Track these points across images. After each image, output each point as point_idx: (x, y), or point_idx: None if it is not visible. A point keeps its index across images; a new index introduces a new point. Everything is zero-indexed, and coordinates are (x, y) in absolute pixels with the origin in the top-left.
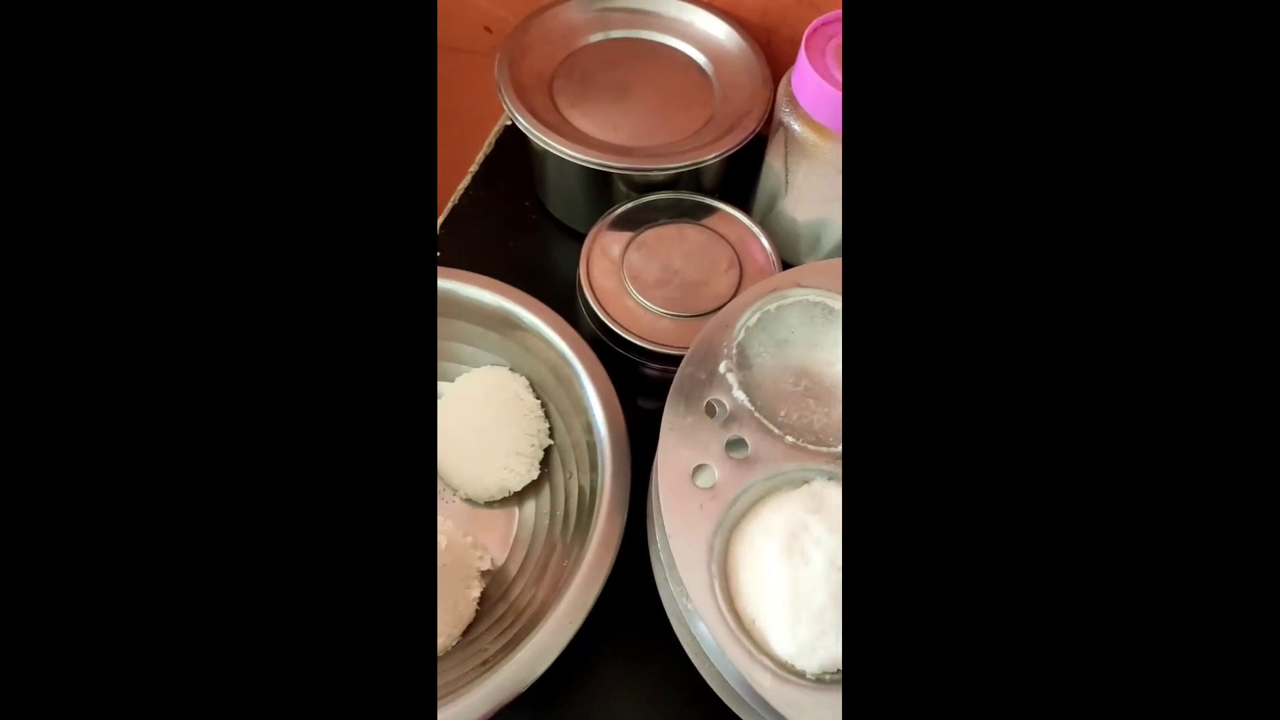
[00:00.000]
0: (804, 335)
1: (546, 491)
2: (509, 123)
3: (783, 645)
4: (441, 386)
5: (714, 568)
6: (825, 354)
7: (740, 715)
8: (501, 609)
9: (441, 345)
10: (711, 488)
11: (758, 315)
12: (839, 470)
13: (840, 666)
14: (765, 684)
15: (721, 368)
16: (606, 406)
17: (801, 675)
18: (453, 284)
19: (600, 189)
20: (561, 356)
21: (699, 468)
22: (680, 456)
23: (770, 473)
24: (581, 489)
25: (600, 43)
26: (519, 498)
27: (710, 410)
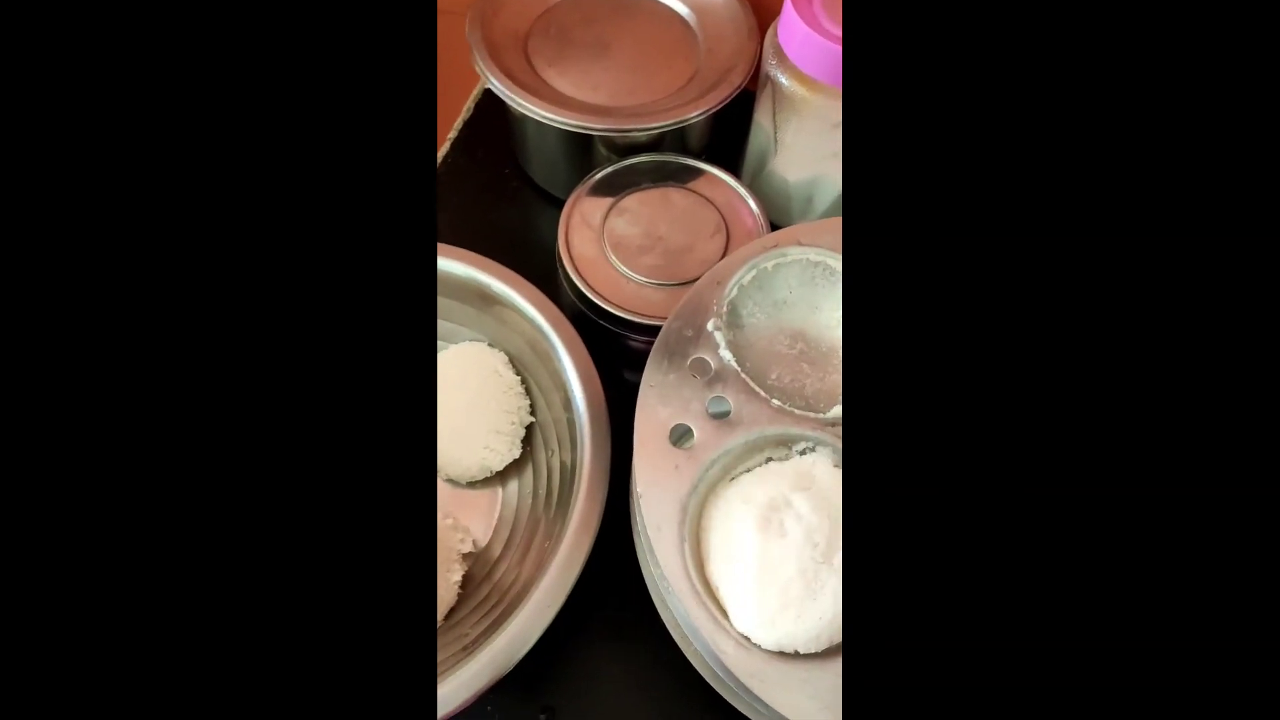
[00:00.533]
0: (803, 296)
1: (529, 470)
2: (487, 86)
3: (743, 616)
4: None
5: (685, 531)
6: (824, 317)
7: (718, 690)
8: (485, 590)
9: None
10: (689, 449)
11: (753, 273)
12: (826, 437)
13: (796, 645)
14: (728, 651)
15: (709, 325)
16: (585, 382)
17: (757, 649)
18: None
19: (581, 153)
20: (539, 330)
21: (678, 428)
22: (659, 414)
23: (753, 435)
24: (564, 465)
25: None
26: (501, 477)
27: (695, 369)
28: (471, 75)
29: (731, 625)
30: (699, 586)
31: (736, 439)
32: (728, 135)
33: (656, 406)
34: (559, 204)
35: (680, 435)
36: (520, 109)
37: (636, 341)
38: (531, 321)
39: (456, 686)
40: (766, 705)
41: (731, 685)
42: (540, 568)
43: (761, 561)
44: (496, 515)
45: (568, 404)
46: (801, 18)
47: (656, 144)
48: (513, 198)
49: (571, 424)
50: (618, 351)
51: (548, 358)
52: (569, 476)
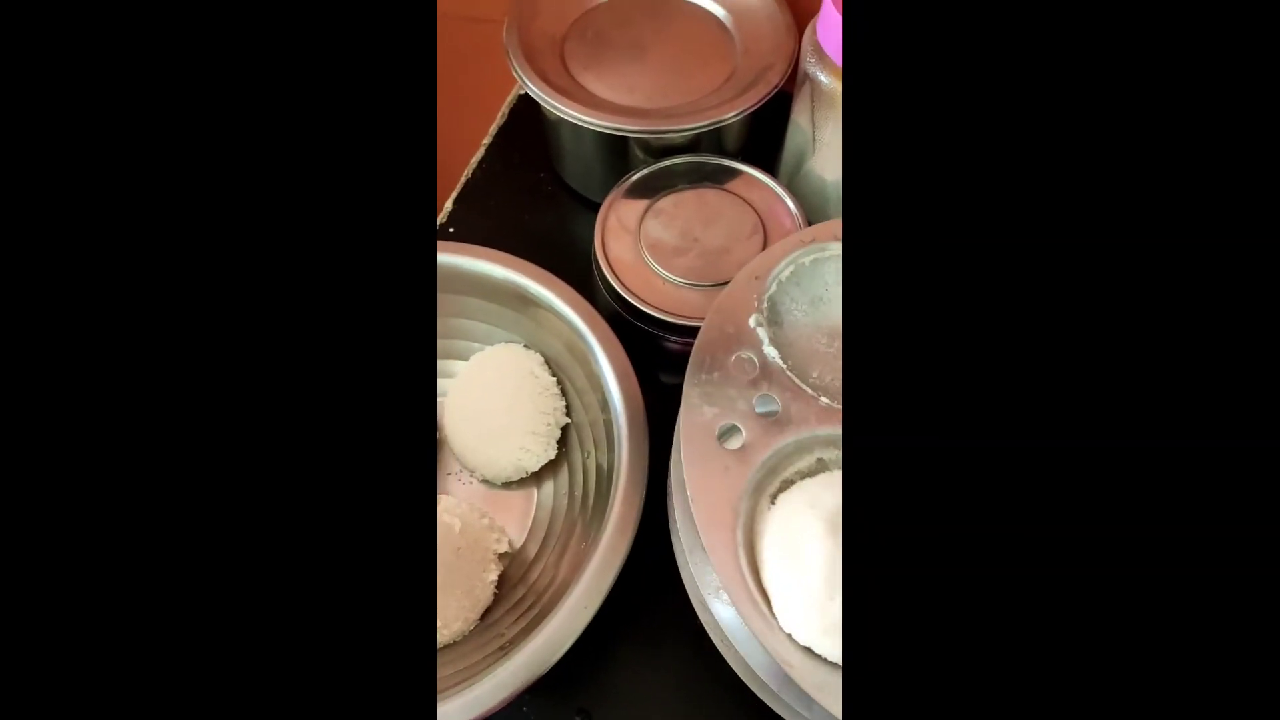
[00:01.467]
0: (840, 293)
1: (565, 471)
2: (522, 91)
3: (804, 624)
4: (455, 365)
5: (739, 535)
6: None
7: (760, 696)
8: (521, 591)
9: (454, 323)
10: (739, 449)
11: (791, 268)
12: None
13: None
14: (795, 663)
15: (751, 321)
16: (623, 382)
17: (821, 659)
18: (464, 259)
19: (617, 155)
20: (576, 332)
21: (726, 428)
22: (704, 414)
23: (804, 435)
24: (600, 468)
25: (614, 1)
26: (537, 478)
27: (738, 367)
28: (506, 81)
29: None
30: (756, 594)
31: (787, 439)
32: (764, 135)
33: (701, 406)
34: (594, 207)
35: (726, 434)
36: (556, 112)
37: (672, 343)
38: (569, 323)
39: (493, 686)
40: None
41: (786, 696)
42: (577, 569)
43: (831, 570)
44: (532, 516)
45: (605, 405)
46: (841, 13)
47: (693, 145)
48: (548, 201)
49: (609, 425)
50: (654, 353)
51: (585, 359)
52: (606, 478)
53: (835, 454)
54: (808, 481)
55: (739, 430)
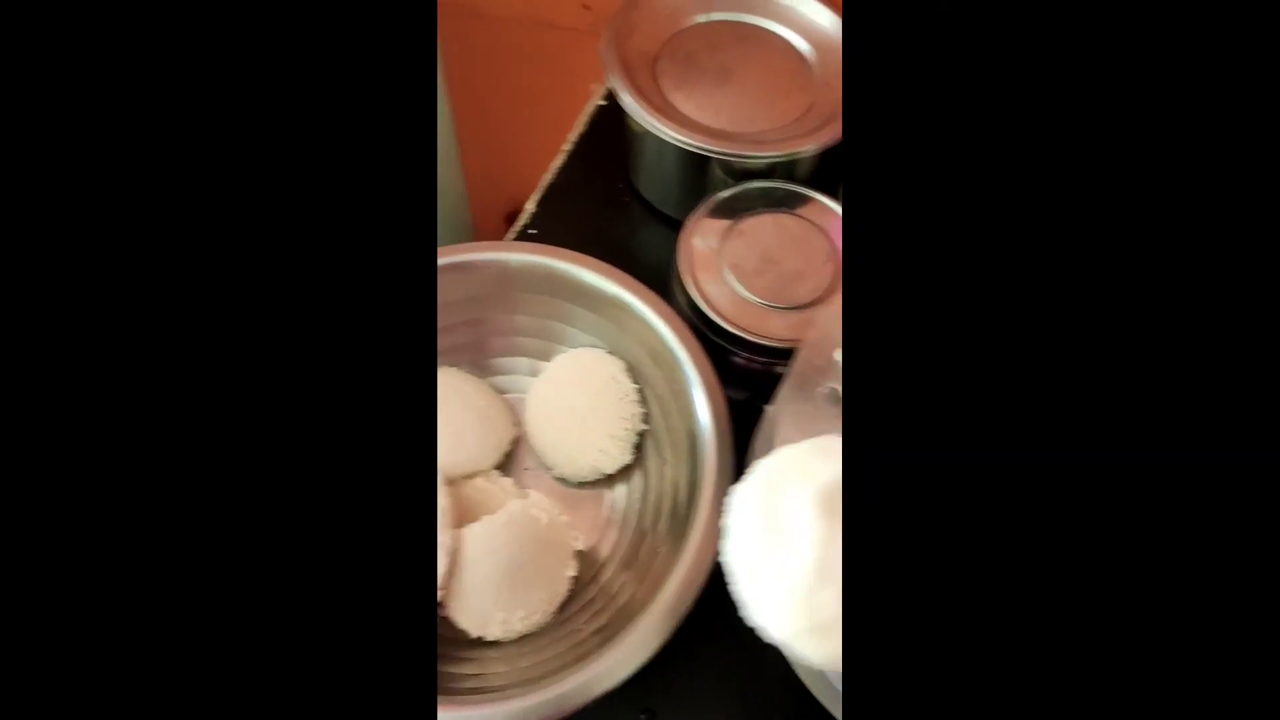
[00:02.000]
0: None
1: (638, 477)
2: (602, 102)
3: (784, 619)
4: (540, 365)
5: None
6: None
7: (822, 702)
8: (592, 591)
9: (541, 324)
10: None
11: None
12: None
13: None
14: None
15: (836, 355)
16: (710, 397)
17: None
18: (559, 262)
19: (696, 173)
20: (662, 341)
21: None
22: (794, 440)
23: None
24: (676, 479)
25: (705, 24)
26: (609, 480)
27: (828, 398)
28: (581, 86)
29: None
30: None
31: None
32: (834, 164)
33: (792, 433)
34: (666, 220)
35: None
36: (647, 127)
37: (740, 358)
38: (656, 332)
39: (574, 688)
40: None
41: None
42: (653, 578)
43: (826, 552)
44: (604, 517)
45: (685, 415)
46: None
47: (769, 171)
48: (623, 211)
49: (691, 436)
50: (722, 368)
51: (670, 368)
52: (684, 489)
53: None
54: (798, 446)
55: None
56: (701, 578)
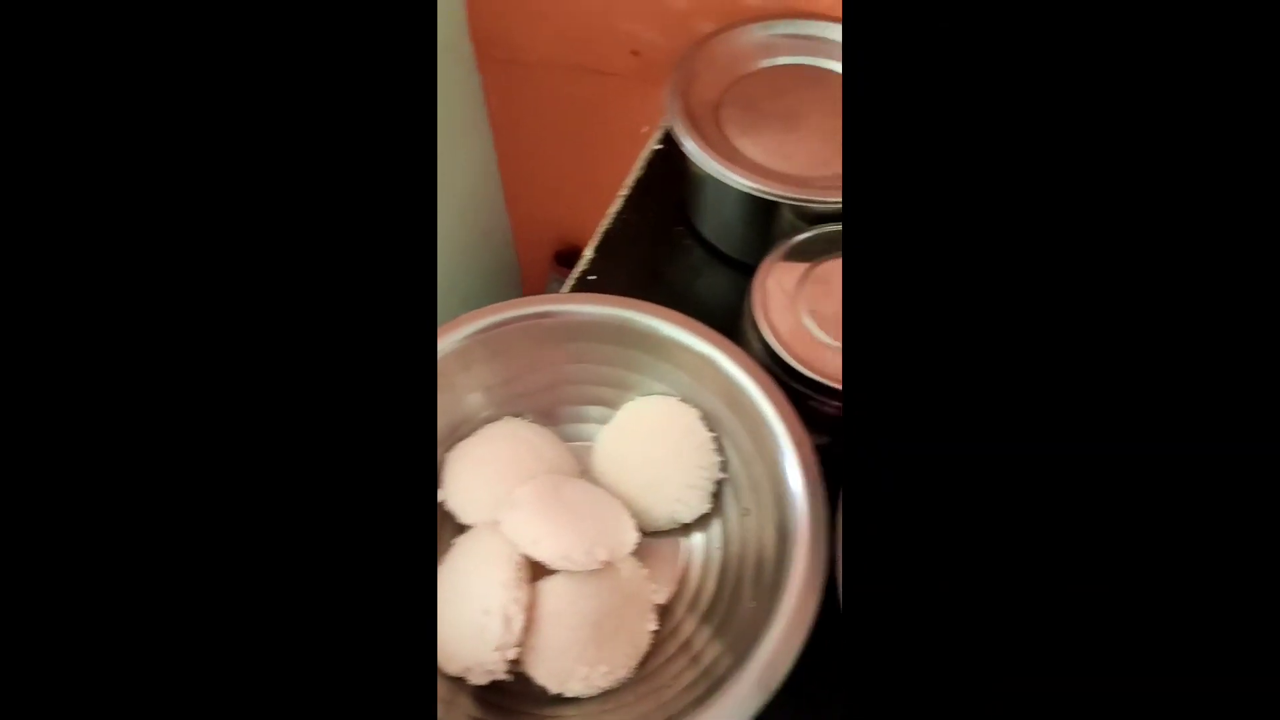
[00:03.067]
0: None
1: (716, 525)
2: (658, 146)
3: None
4: (607, 413)
5: None
6: None
7: None
8: (673, 646)
9: (609, 372)
10: None
11: None
12: None
13: None
14: None
15: None
16: (798, 447)
17: None
18: (624, 311)
19: (765, 218)
20: (741, 389)
21: None
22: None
23: None
24: (761, 528)
25: (768, 69)
26: (686, 529)
27: None
28: (635, 135)
29: None
30: None
31: None
32: None
33: None
34: (730, 263)
35: None
36: (713, 174)
37: (817, 402)
38: (733, 380)
39: None
40: None
41: None
42: (744, 636)
43: None
44: (680, 568)
45: (768, 463)
46: None
47: (840, 214)
48: (684, 254)
49: (776, 483)
50: (800, 413)
51: (749, 417)
52: (774, 542)
53: None
54: None
55: None
56: (800, 639)
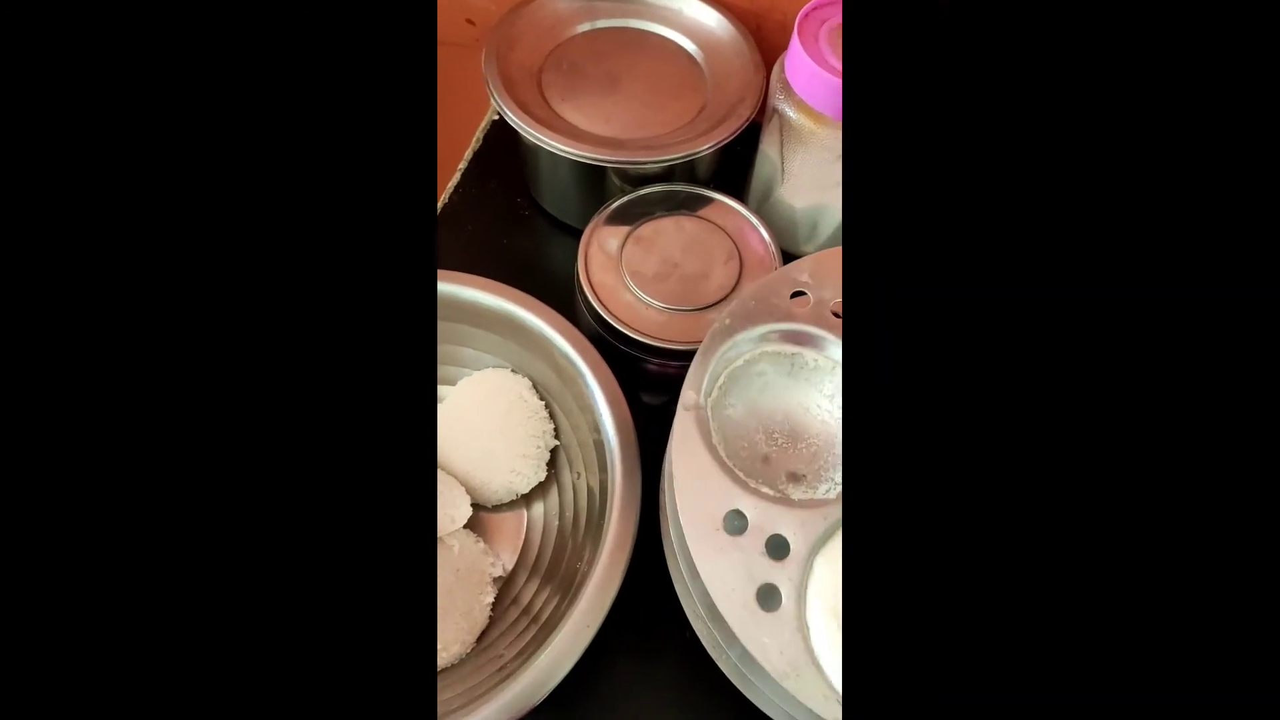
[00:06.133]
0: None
1: (554, 492)
2: (496, 117)
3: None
4: (443, 390)
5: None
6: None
7: (759, 706)
8: (514, 614)
9: (442, 349)
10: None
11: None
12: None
13: None
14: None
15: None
16: (613, 405)
17: None
18: (452, 286)
19: (594, 183)
20: (564, 356)
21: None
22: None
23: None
24: (590, 489)
25: (588, 33)
26: (526, 500)
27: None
28: (478, 106)
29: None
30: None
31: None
32: (734, 164)
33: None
34: (571, 231)
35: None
36: (536, 141)
37: (653, 364)
38: (557, 347)
39: (497, 709)
40: None
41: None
42: (570, 590)
43: None
44: (522, 538)
45: (594, 427)
46: (808, 54)
47: (667, 174)
48: (525, 226)
49: (599, 446)
50: (634, 374)
51: (574, 382)
52: (598, 499)
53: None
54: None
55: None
56: (616, 581)
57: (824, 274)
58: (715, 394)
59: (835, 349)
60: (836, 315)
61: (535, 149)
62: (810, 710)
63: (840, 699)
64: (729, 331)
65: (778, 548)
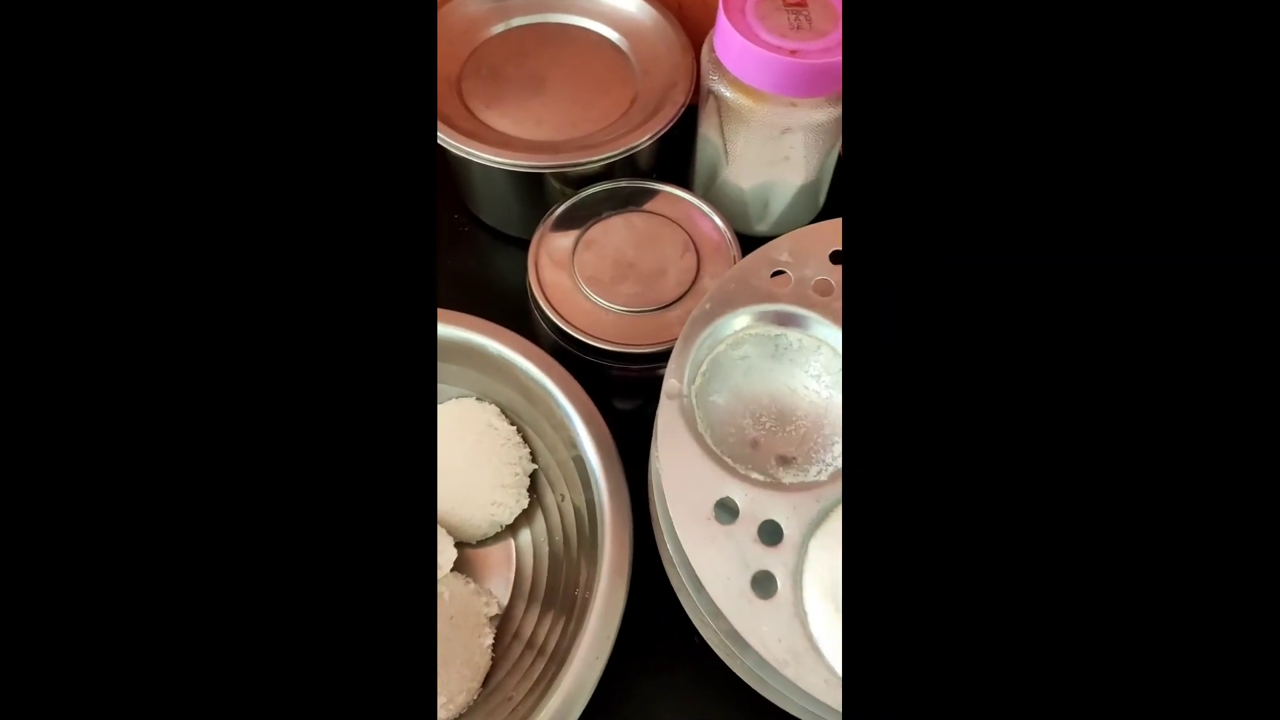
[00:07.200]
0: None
1: (540, 517)
2: None
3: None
4: None
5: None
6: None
7: (775, 703)
8: (518, 649)
9: None
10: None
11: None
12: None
13: None
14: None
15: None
16: (587, 420)
17: None
18: None
19: (533, 191)
20: (529, 376)
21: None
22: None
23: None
24: (577, 507)
25: (504, 33)
26: (512, 529)
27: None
28: None
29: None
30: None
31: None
32: (674, 152)
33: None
34: (516, 243)
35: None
36: (464, 155)
37: (619, 370)
38: (520, 369)
39: None
40: None
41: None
42: (574, 618)
43: None
44: (514, 569)
45: (571, 444)
46: (737, 30)
47: (608, 172)
48: (468, 242)
49: (579, 463)
50: (603, 382)
51: (543, 402)
52: (587, 516)
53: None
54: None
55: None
56: (619, 605)
57: (803, 252)
58: (699, 381)
59: (819, 328)
60: (819, 294)
61: (466, 163)
62: (819, 700)
63: (840, 683)
64: (709, 317)
65: (771, 534)
